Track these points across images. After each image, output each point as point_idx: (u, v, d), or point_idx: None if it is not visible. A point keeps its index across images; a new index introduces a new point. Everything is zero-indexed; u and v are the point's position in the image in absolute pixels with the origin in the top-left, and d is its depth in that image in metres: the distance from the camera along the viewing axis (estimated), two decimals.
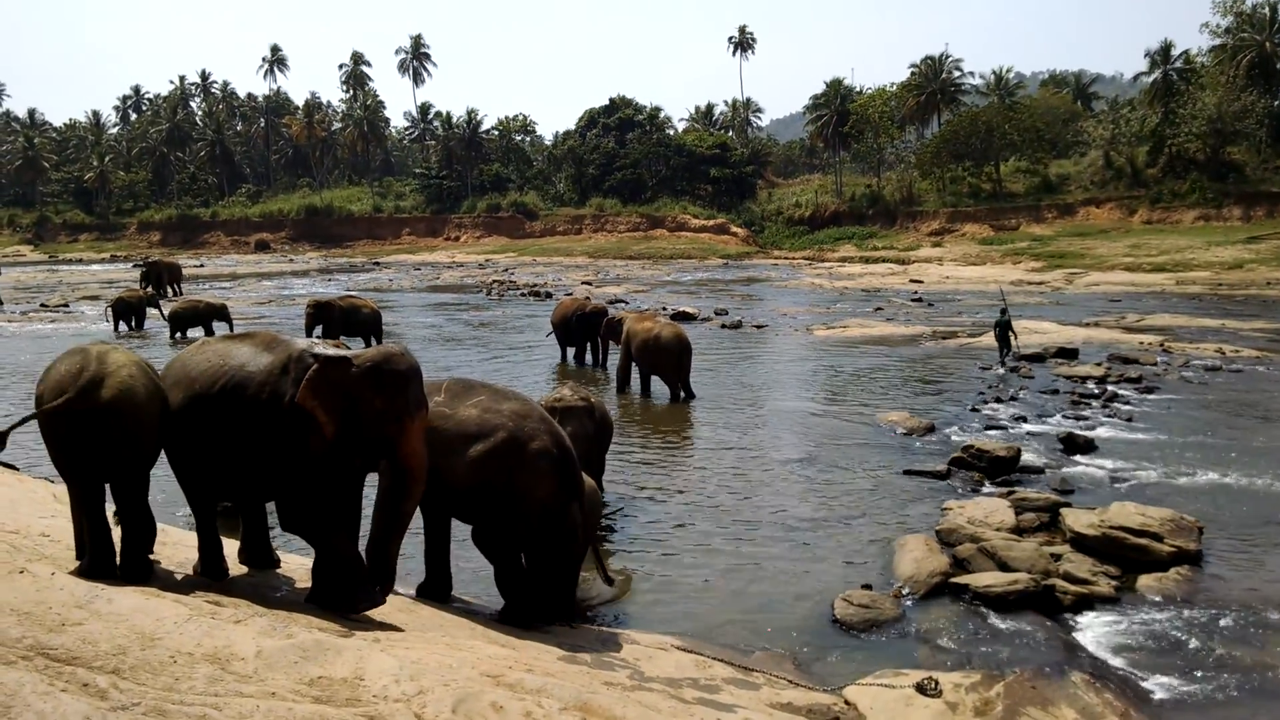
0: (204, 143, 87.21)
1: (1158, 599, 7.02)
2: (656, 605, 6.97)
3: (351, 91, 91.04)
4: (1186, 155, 52.75)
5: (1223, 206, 49.67)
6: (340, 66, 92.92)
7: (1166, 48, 58.36)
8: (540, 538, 5.75)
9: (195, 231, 79.09)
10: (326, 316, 20.28)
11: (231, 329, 22.08)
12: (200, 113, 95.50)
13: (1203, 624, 6.59)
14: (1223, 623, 6.59)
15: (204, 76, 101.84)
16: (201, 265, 57.00)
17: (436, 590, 6.09)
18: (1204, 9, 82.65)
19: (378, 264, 59.50)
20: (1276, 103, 53.32)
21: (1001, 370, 17.08)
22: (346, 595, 5.07)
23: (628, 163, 72.02)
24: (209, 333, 21.95)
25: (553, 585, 5.93)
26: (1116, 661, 6.13)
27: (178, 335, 22.20)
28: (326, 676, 3.64)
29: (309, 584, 5.32)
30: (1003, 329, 17.68)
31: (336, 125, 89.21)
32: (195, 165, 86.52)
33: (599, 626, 6.20)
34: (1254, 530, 8.46)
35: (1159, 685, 5.80)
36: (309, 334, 19.71)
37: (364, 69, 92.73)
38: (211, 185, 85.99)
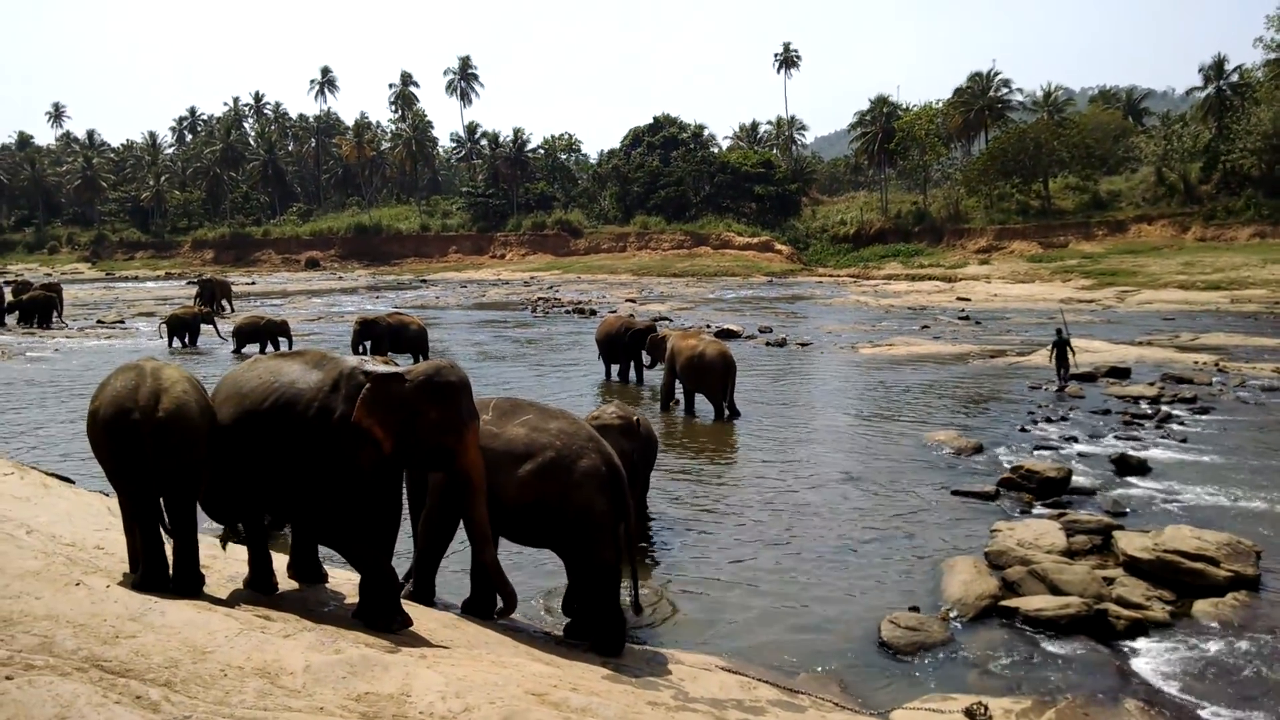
0: (256, 162, 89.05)
1: (1214, 625, 6.86)
2: (701, 625, 6.93)
3: (400, 112, 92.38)
4: (1241, 171, 51.78)
5: (1279, 223, 48.64)
6: (390, 86, 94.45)
7: (1220, 62, 57.49)
8: (589, 557, 5.74)
9: (247, 249, 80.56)
10: (374, 333, 20.57)
11: (291, 345, 22.46)
12: (253, 133, 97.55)
13: (1260, 651, 6.42)
14: None
15: (257, 98, 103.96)
16: (253, 283, 58.01)
17: (482, 607, 6.11)
18: (1259, 24, 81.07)
19: (425, 281, 60.16)
20: None
21: (1057, 388, 16.82)
22: (385, 612, 5.12)
23: (672, 180, 72.22)
24: (272, 348, 22.32)
25: (600, 606, 5.90)
26: (1171, 689, 5.98)
27: (238, 351, 22.60)
28: (374, 692, 3.67)
29: (356, 599, 5.37)
30: (1060, 348, 17.31)
31: (385, 145, 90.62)
32: (248, 185, 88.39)
33: (644, 645, 6.17)
34: None
35: (1214, 714, 5.65)
36: (356, 350, 19.99)
37: (412, 89, 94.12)
38: (263, 204, 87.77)
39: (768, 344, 24.68)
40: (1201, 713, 5.67)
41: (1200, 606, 7.13)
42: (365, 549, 5.16)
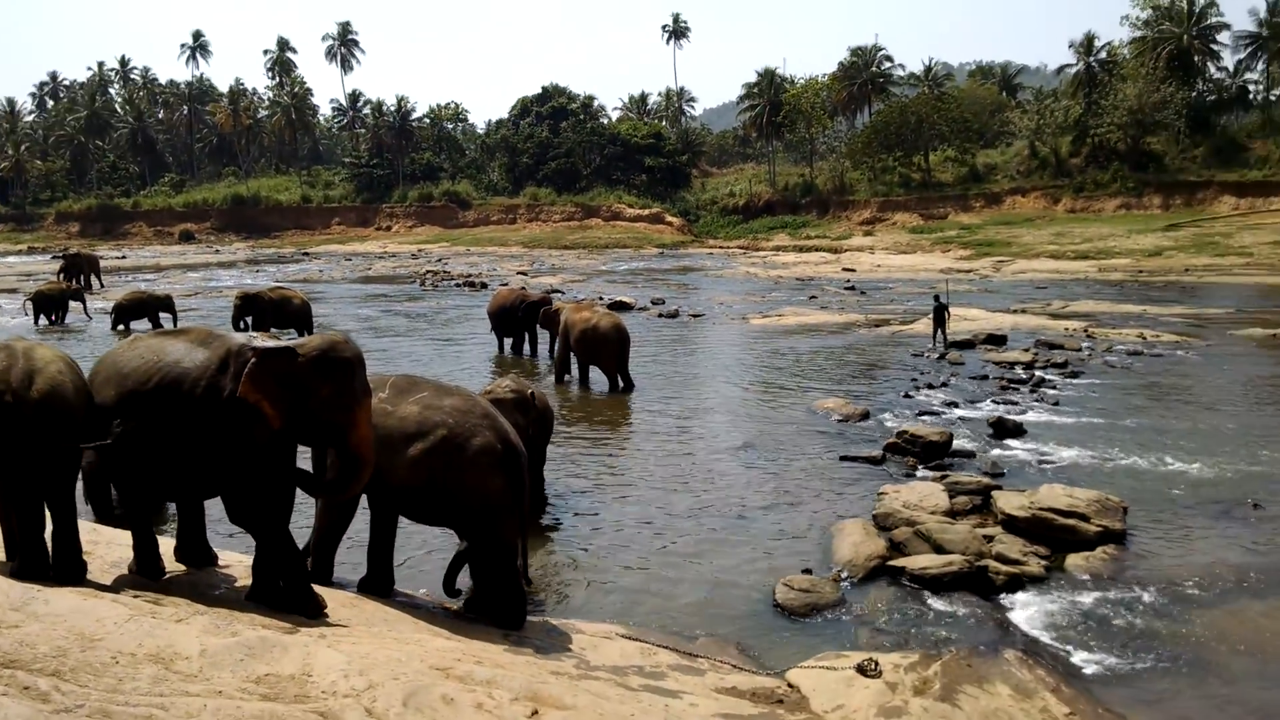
0: (124, 131, 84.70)
1: (1085, 577, 7.25)
2: (600, 594, 7.00)
3: (277, 78, 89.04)
4: (1108, 145, 54.21)
5: (1143, 195, 51.22)
6: (265, 53, 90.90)
7: (1089, 39, 59.90)
8: (487, 535, 5.72)
9: (116, 222, 76.64)
10: (255, 309, 19.92)
11: (176, 321, 21.63)
12: (120, 100, 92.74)
13: (1128, 601, 6.83)
14: (1146, 599, 6.84)
15: (123, 63, 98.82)
16: (123, 257, 55.45)
17: (379, 585, 6.05)
18: (1126, 2, 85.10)
19: (307, 254, 58.44)
20: (1194, 94, 55.06)
21: (937, 354, 17.53)
22: (301, 593, 5.03)
23: (562, 152, 71.71)
24: (155, 325, 21.44)
25: (498, 582, 5.89)
26: (1047, 638, 6.32)
27: (120, 327, 21.62)
28: (274, 673, 3.61)
29: (249, 581, 5.25)
30: (939, 314, 18.28)
31: (263, 113, 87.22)
32: (116, 154, 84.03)
33: (544, 618, 6.20)
34: (1175, 509, 8.78)
35: (1088, 660, 6.00)
36: (236, 326, 19.39)
37: (290, 55, 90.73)
38: (133, 174, 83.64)
39: (660, 315, 24.85)
40: (1074, 660, 6.01)
41: (1073, 560, 7.54)
42: (261, 528, 5.04)
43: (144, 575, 5.35)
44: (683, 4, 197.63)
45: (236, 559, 5.84)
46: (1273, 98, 57.24)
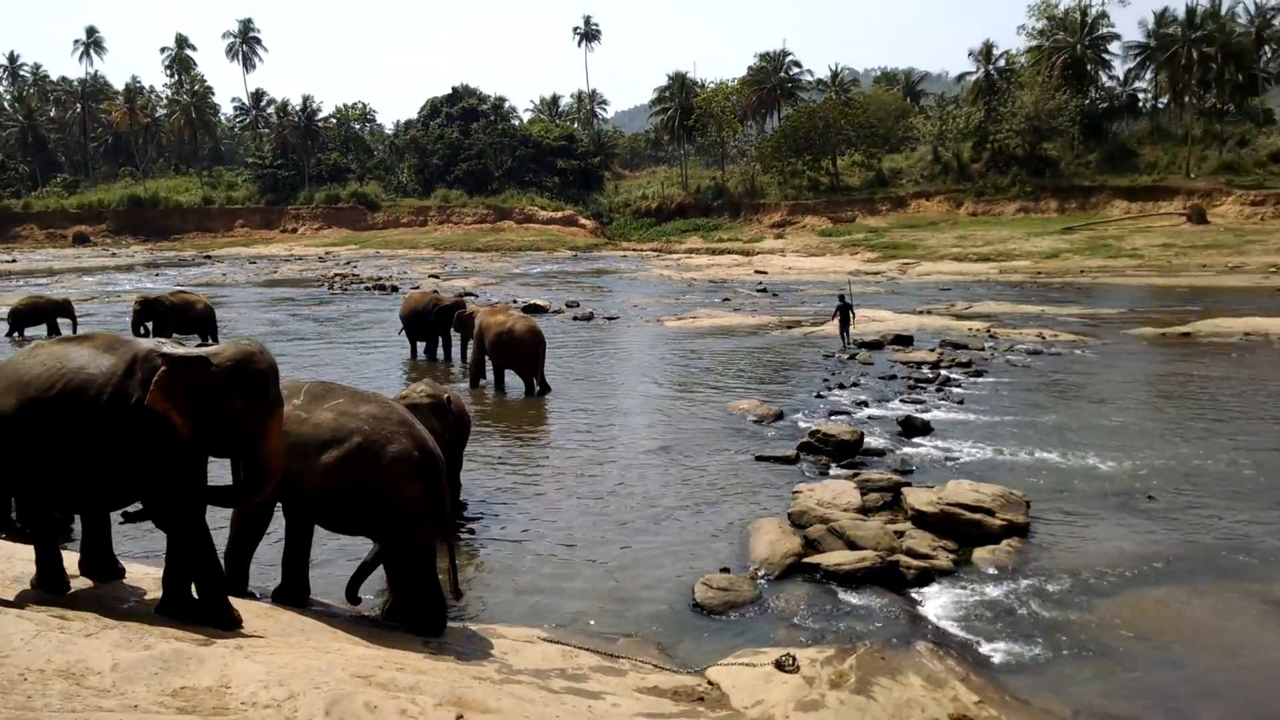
0: (14, 129, 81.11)
1: (992, 570, 7.51)
2: (520, 598, 6.99)
3: (177, 76, 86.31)
4: (1007, 151, 56.09)
5: (1040, 199, 53.16)
6: (163, 50, 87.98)
7: (989, 48, 61.86)
8: (405, 543, 5.66)
9: (6, 224, 73.15)
10: (156, 313, 19.29)
11: (75, 327, 20.79)
12: (8, 97, 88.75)
13: (1032, 591, 7.09)
14: (1050, 589, 7.11)
15: (12, 59, 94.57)
16: (13, 260, 53.12)
17: (294, 595, 5.94)
18: (1023, 12, 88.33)
19: (209, 258, 56.84)
20: (1087, 102, 57.31)
21: (844, 352, 18.06)
22: (214, 605, 4.91)
23: (473, 153, 71.13)
24: (52, 331, 20.58)
25: (418, 590, 5.83)
26: (956, 630, 6.53)
27: (15, 334, 20.69)
28: (190, 686, 3.52)
29: (158, 594, 5.10)
30: (844, 314, 18.87)
31: (161, 111, 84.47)
32: (4, 153, 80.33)
33: (464, 623, 6.17)
34: (1075, 502, 9.14)
35: (995, 650, 6.22)
36: (136, 332, 18.75)
37: (189, 53, 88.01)
38: (23, 175, 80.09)
39: (575, 318, 24.85)
40: (982, 650, 6.22)
41: (979, 554, 7.79)
42: (177, 537, 4.90)
43: (47, 590, 5.15)
44: (594, 7, 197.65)
45: (144, 572, 5.67)
46: (1160, 106, 59.93)
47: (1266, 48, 55.06)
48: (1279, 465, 10.23)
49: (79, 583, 5.38)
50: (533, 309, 24.81)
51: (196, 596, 4.99)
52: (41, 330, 20.55)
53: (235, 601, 5.15)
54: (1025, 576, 7.34)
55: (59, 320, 21.21)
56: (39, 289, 31.50)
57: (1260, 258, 37.66)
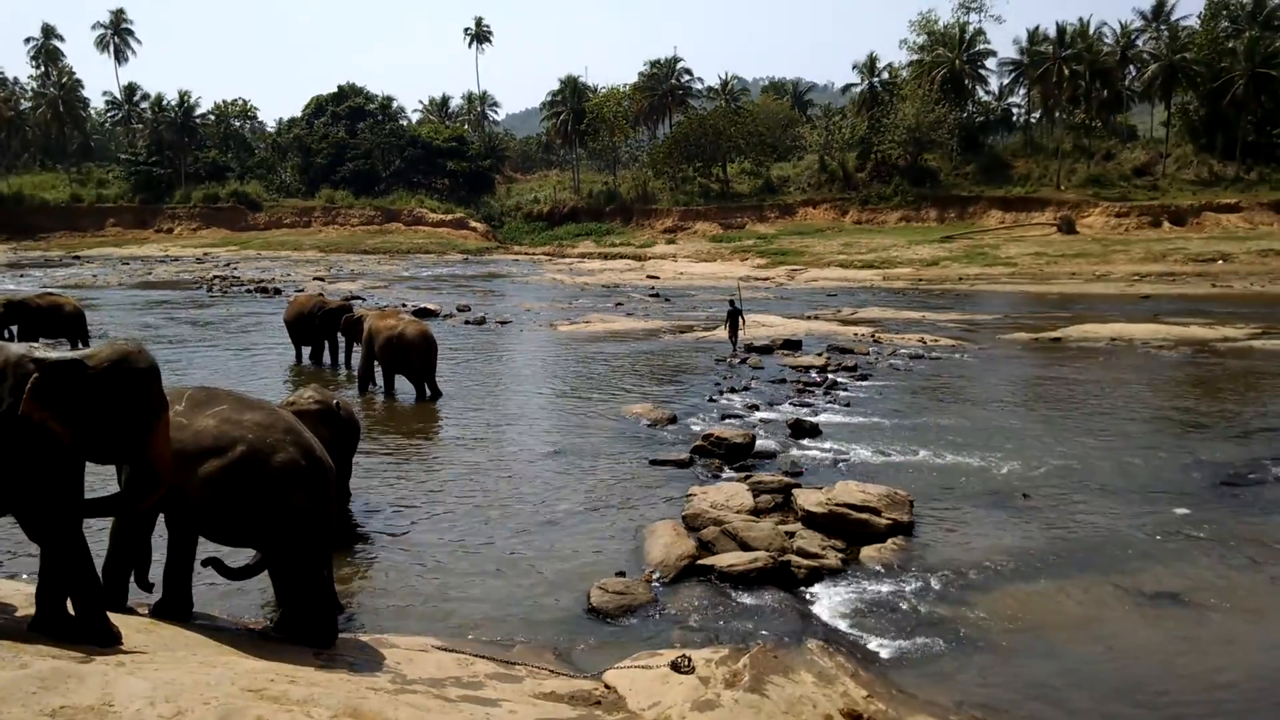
0: None
1: (878, 568, 7.72)
2: (413, 607, 6.87)
3: (43, 68, 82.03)
4: (890, 161, 57.91)
5: (921, 209, 55.05)
6: (28, 41, 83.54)
7: (872, 60, 63.78)
8: (291, 553, 5.49)
9: None
10: (22, 316, 18.30)
11: None
12: None
13: (917, 588, 7.32)
14: (934, 585, 7.36)
15: None
16: None
17: (176, 609, 5.70)
18: (904, 27, 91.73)
19: (78, 258, 54.21)
20: (965, 115, 59.57)
21: (731, 354, 18.49)
22: (92, 621, 4.67)
23: (360, 153, 69.72)
24: None
25: (307, 601, 5.67)
26: (846, 627, 6.70)
27: None
28: (71, 705, 3.35)
29: (31, 610, 4.84)
30: (733, 318, 19.31)
31: (25, 104, 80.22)
32: None
33: (355, 635, 6.03)
34: (956, 501, 9.47)
35: (882, 645, 6.40)
36: (0, 336, 17.76)
37: (56, 44, 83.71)
38: None
39: (467, 323, 24.59)
40: (870, 645, 6.40)
41: (867, 552, 8.01)
42: (51, 549, 4.65)
43: None
44: (486, 9, 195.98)
45: (15, 588, 5.38)
46: (1033, 120, 62.67)
47: (1131, 67, 58.12)
48: (1146, 464, 10.81)
49: None
50: (423, 313, 24.45)
51: (73, 612, 4.75)
52: None
53: (114, 617, 4.92)
54: (910, 574, 7.58)
55: None
56: None
57: (1124, 266, 39.75)
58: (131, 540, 5.62)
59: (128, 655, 4.39)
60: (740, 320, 19.46)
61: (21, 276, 40.10)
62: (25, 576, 6.07)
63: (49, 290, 24.28)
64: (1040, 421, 13.18)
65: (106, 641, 4.66)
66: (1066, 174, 53.26)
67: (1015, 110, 64.97)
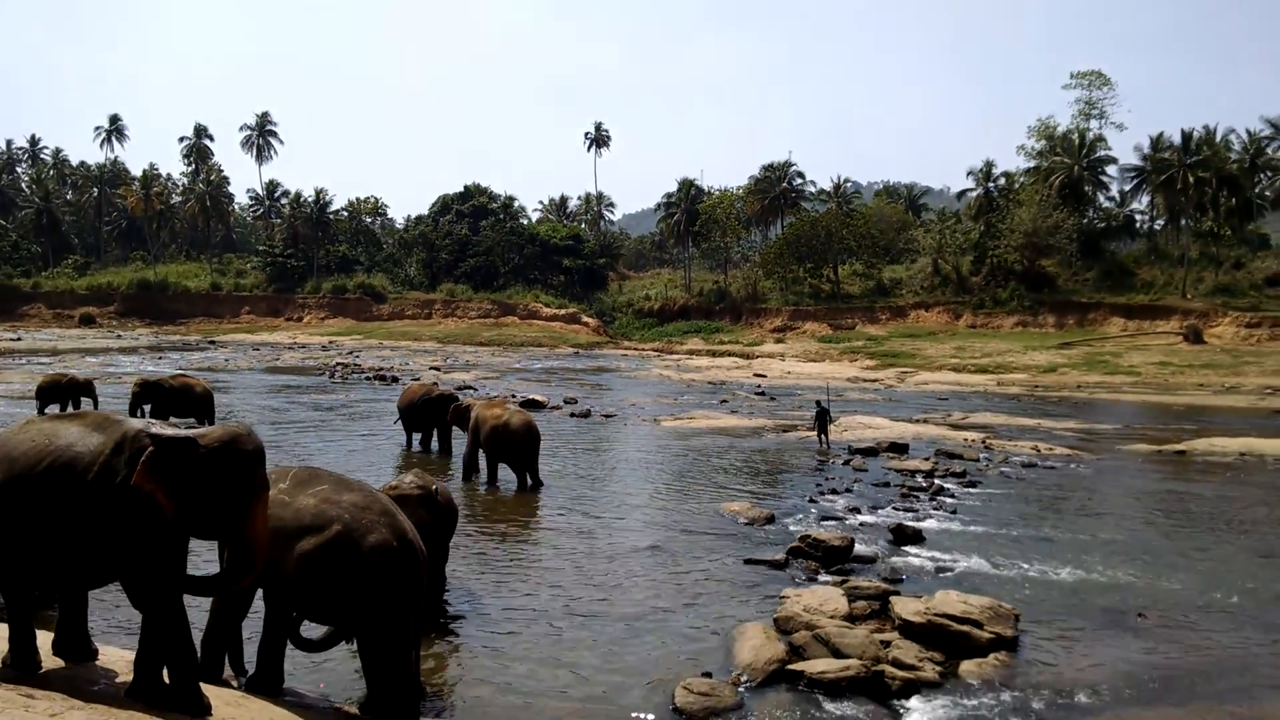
0: (29, 210, 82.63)
1: (978, 683, 7.39)
2: (500, 697, 6.87)
3: (193, 165, 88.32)
4: (1006, 265, 56.92)
5: (1038, 314, 53.72)
6: (182, 140, 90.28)
7: (988, 166, 63.38)
8: (378, 635, 5.60)
9: (14, 302, 74.14)
10: (155, 395, 19.41)
11: (96, 406, 20.83)
12: (27, 179, 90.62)
13: (1019, 707, 6.97)
14: (1037, 706, 6.99)
15: (33, 141, 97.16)
16: (18, 338, 53.53)
17: (268, 684, 5.85)
18: (1021, 133, 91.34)
19: (214, 343, 57.23)
20: (1085, 221, 58.43)
21: (821, 451, 19.06)
22: (185, 691, 4.84)
23: (481, 250, 72.28)
24: (75, 409, 20.61)
25: (392, 683, 5.75)
26: None
27: (42, 413, 20.72)
28: None
29: (130, 677, 5.04)
30: (820, 418, 19.90)
31: (176, 198, 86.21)
32: (18, 233, 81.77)
33: (439, 718, 6.06)
34: (1065, 617, 9.03)
35: None
36: (134, 413, 18.80)
37: (206, 143, 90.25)
38: (35, 255, 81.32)
39: (572, 415, 24.88)
40: None
41: (966, 666, 7.68)
42: (149, 621, 4.87)
43: (18, 669, 5.10)
44: (605, 113, 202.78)
45: (119, 655, 5.60)
46: (1157, 227, 61.02)
47: (1261, 175, 56.28)
48: (1271, 587, 10.14)
49: (51, 662, 5.32)
50: (530, 404, 24.89)
51: (168, 681, 4.93)
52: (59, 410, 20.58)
53: (207, 688, 5.09)
54: (1012, 691, 7.23)
55: (81, 399, 21.27)
56: (62, 368, 31.56)
57: (1256, 379, 37.82)
58: (229, 615, 5.81)
59: None
60: (829, 419, 19.81)
61: (160, 358, 42.48)
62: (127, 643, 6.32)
63: (183, 372, 25.69)
64: (1161, 537, 12.53)
65: (197, 712, 4.81)
66: (1193, 282, 51.43)
67: (1138, 217, 63.46)
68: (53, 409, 20.30)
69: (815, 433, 20.10)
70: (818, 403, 20.48)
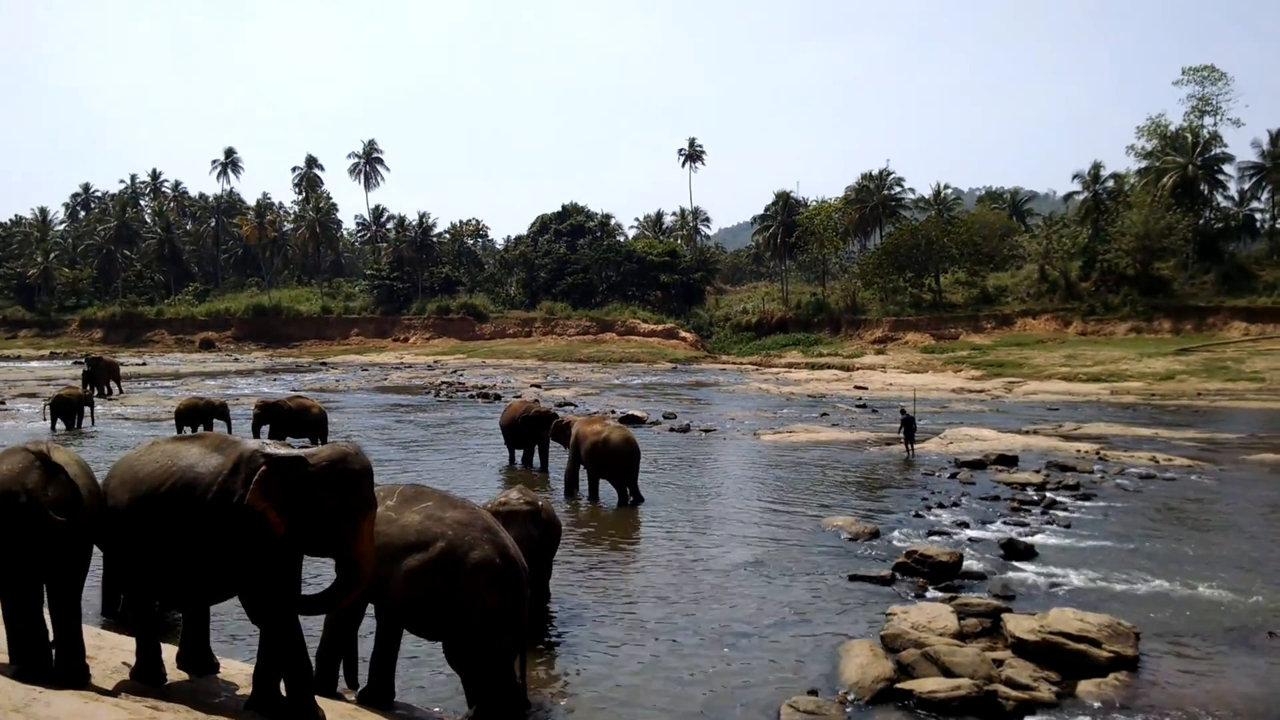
0: (152, 241, 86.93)
1: (1097, 704, 7.12)
2: (601, 711, 6.90)
3: (304, 193, 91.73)
4: (1117, 270, 54.90)
5: (1153, 320, 51.58)
6: (294, 169, 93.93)
7: (1096, 169, 61.37)
8: (481, 651, 5.69)
9: (139, 329, 78.14)
10: (274, 416, 20.15)
11: (230, 429, 21.83)
12: (149, 211, 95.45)
13: None
14: None
15: (154, 176, 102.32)
16: (144, 363, 56.18)
17: (379, 698, 6.00)
18: (1129, 133, 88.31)
19: (325, 364, 59.13)
20: (1201, 221, 55.97)
21: (908, 458, 19.29)
22: (302, 703, 5.00)
23: (579, 267, 73.14)
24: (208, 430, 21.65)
25: (495, 698, 5.83)
26: None
27: (183, 431, 21.81)
28: None
29: (250, 690, 5.23)
30: (907, 426, 19.92)
31: (288, 226, 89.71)
32: (142, 263, 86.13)
33: None
34: (1188, 636, 8.64)
35: None
36: (255, 434, 19.54)
37: (317, 172, 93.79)
38: (158, 283, 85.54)
39: (671, 430, 24.90)
40: None
41: (1084, 687, 7.40)
42: (266, 635, 5.05)
43: (144, 681, 5.34)
44: (699, 129, 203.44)
45: (239, 668, 5.82)
46: (1279, 226, 58.11)
47: None
48: None
49: (176, 675, 5.55)
50: (630, 420, 25.02)
51: (285, 694, 5.10)
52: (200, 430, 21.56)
53: (322, 701, 5.25)
54: (1131, 713, 6.94)
55: (215, 421, 22.26)
56: (186, 392, 33.06)
57: None
58: (342, 629, 5.98)
59: None
60: (914, 429, 20.03)
61: (274, 380, 44.09)
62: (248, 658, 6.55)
63: (299, 394, 26.60)
64: None
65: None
66: None
67: (1259, 216, 60.50)
68: (188, 430, 21.27)
69: (902, 442, 20.18)
70: (902, 410, 20.53)
